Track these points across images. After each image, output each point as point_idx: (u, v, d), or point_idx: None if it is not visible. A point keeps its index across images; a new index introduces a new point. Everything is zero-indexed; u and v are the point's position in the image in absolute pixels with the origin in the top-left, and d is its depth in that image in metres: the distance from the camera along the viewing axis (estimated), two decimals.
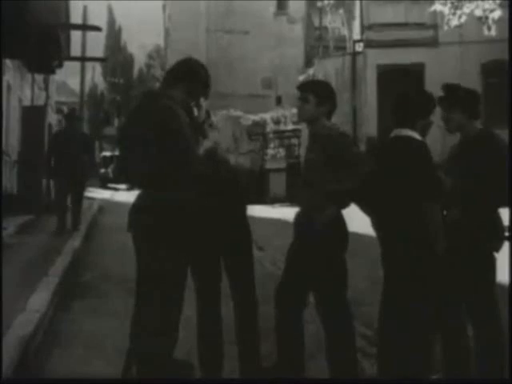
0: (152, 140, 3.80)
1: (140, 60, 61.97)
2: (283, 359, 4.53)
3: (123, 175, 4.33)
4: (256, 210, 17.80)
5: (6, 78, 15.08)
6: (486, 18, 13.49)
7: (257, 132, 25.04)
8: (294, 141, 23.96)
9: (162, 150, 3.77)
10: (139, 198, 3.97)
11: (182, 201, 3.84)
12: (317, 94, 4.46)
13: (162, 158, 3.78)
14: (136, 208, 3.95)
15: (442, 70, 20.05)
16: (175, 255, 3.83)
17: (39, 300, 6.24)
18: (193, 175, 3.92)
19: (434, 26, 19.68)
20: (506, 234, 4.31)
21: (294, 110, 24.66)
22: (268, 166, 23.81)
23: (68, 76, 37.54)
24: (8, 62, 14.69)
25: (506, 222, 4.39)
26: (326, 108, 4.49)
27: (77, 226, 12.06)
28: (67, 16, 10.11)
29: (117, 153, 40.67)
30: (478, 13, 13.45)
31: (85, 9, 31.30)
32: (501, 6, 13.06)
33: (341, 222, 4.41)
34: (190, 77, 4.15)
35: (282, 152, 24.29)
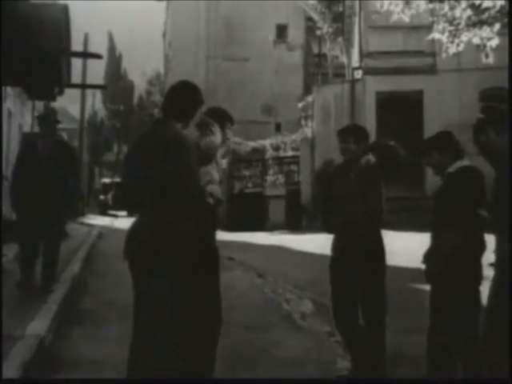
0: (156, 167, 3.82)
1: (140, 86, 62.27)
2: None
3: (125, 200, 4.36)
4: (255, 237, 17.82)
5: (7, 105, 15.14)
6: (484, 46, 13.55)
7: (256, 158, 25.09)
8: (294, 167, 23.99)
9: (165, 178, 3.80)
10: (135, 224, 3.99)
11: (180, 228, 3.86)
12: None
13: (164, 184, 3.81)
14: (132, 235, 3.97)
15: (440, 97, 20.16)
16: (172, 282, 3.84)
17: (38, 326, 6.21)
18: (193, 203, 3.94)
19: (433, 54, 19.78)
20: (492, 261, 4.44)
21: (293, 137, 24.77)
22: (267, 192, 23.81)
23: (68, 103, 37.69)
24: (9, 89, 14.76)
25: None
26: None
27: (50, 285, 8.27)
28: (68, 43, 10.16)
29: (117, 179, 40.76)
30: (476, 41, 13.52)
31: (86, 36, 31.55)
32: (498, 34, 13.14)
33: None
34: (185, 101, 4.21)
35: (281, 178, 24.30)
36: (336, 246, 5.41)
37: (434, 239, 4.92)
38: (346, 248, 5.28)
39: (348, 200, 5.30)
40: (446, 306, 4.74)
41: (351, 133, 5.55)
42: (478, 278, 4.76)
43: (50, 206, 8.00)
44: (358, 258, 5.20)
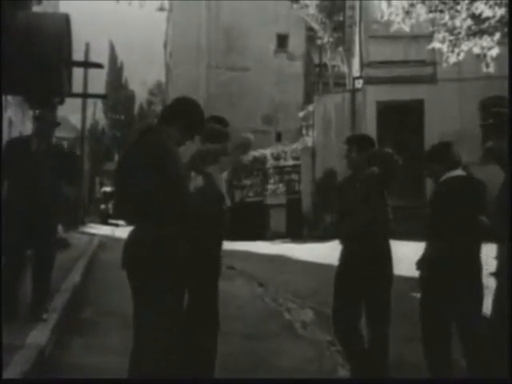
0: (145, 175, 3.84)
1: (141, 96, 62.37)
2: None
3: (118, 210, 4.36)
4: (256, 246, 17.81)
5: (8, 114, 15.16)
6: (484, 55, 13.58)
7: (257, 168, 25.12)
8: (294, 176, 24.01)
9: (155, 185, 3.81)
10: (132, 234, 4.00)
11: (174, 236, 3.88)
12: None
13: (155, 193, 3.82)
14: (129, 245, 3.98)
15: (441, 107, 20.18)
16: (169, 291, 3.85)
17: (38, 336, 6.20)
18: (184, 211, 3.96)
19: (433, 63, 19.81)
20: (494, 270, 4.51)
21: (294, 146, 24.80)
22: (268, 201, 23.82)
23: (69, 112, 37.74)
24: (10, 98, 14.79)
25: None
26: None
27: (41, 312, 6.94)
28: (69, 53, 10.18)
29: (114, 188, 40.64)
30: (476, 50, 13.54)
31: (87, 46, 31.63)
32: (498, 43, 13.16)
33: None
34: (184, 115, 4.24)
35: (282, 187, 24.32)
36: (344, 255, 5.45)
37: (426, 246, 5.06)
38: (354, 258, 5.31)
39: (355, 210, 5.37)
40: (434, 310, 4.89)
41: (354, 142, 5.68)
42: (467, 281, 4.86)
43: (40, 213, 6.89)
44: (366, 268, 5.24)
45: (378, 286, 5.27)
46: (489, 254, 4.81)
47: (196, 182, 4.34)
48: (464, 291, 4.78)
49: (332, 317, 5.41)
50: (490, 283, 4.73)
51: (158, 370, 3.78)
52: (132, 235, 4.00)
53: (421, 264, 5.04)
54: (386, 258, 5.35)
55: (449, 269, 4.78)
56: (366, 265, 5.22)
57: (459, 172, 5.05)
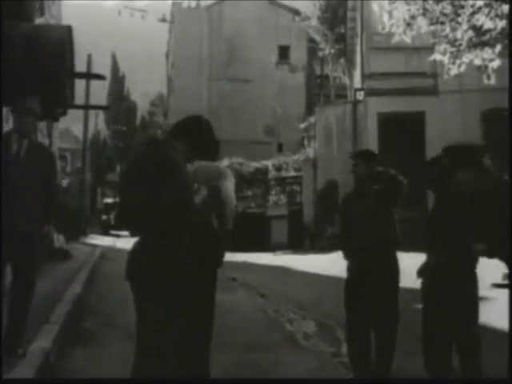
0: (152, 187, 3.86)
1: (143, 107, 62.54)
2: None
3: (123, 220, 4.38)
4: (258, 257, 17.80)
5: (10, 125, 15.20)
6: (486, 67, 13.60)
7: (258, 179, 25.14)
8: (296, 187, 24.03)
9: (161, 197, 3.83)
10: (136, 246, 4.02)
11: (179, 248, 3.89)
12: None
13: (160, 204, 3.84)
14: (133, 256, 4.00)
15: (442, 118, 20.19)
16: (171, 303, 3.86)
17: (41, 346, 6.19)
18: (189, 222, 3.98)
19: (434, 75, 19.84)
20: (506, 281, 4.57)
21: (296, 157, 24.83)
22: (270, 212, 23.82)
23: (72, 123, 37.86)
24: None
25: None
26: None
27: (19, 346, 5.72)
28: (72, 64, 10.22)
29: (118, 199, 40.67)
30: (478, 62, 13.57)
31: (89, 57, 31.75)
32: (500, 55, 13.19)
33: None
34: (191, 132, 4.29)
35: (283, 199, 24.33)
36: (352, 269, 5.52)
37: (427, 255, 5.14)
38: (362, 271, 5.40)
39: (363, 225, 5.46)
40: (435, 317, 4.93)
41: (360, 157, 5.79)
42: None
43: (18, 237, 5.76)
44: (373, 281, 5.35)
45: (385, 298, 5.39)
46: (485, 264, 4.87)
47: (200, 194, 4.37)
48: (463, 296, 4.88)
49: (346, 329, 5.65)
50: (493, 294, 4.76)
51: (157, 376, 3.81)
52: (136, 247, 4.01)
53: (419, 272, 5.11)
54: (394, 271, 5.42)
55: (448, 275, 4.85)
56: (374, 278, 5.33)
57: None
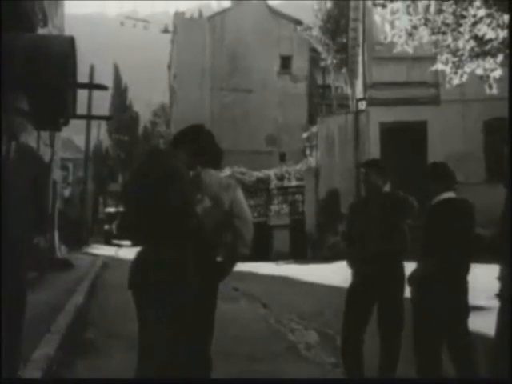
0: (154, 196, 3.87)
1: (145, 117, 62.68)
2: None
3: (126, 230, 4.39)
4: (260, 267, 17.77)
5: None
6: (487, 76, 13.60)
7: (261, 188, 25.15)
8: (298, 197, 24.02)
9: (164, 206, 3.84)
10: (139, 255, 4.02)
11: (181, 256, 3.90)
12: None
13: (162, 214, 3.85)
14: (135, 266, 4.00)
15: (444, 128, 20.21)
16: (173, 312, 3.87)
17: (42, 356, 6.18)
18: (191, 232, 3.99)
19: (436, 85, 19.88)
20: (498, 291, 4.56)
21: (298, 167, 24.84)
22: (272, 222, 23.80)
23: (74, 133, 37.94)
24: None
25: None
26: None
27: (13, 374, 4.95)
28: (74, 75, 10.26)
29: (121, 209, 40.88)
30: (479, 72, 13.57)
31: (92, 68, 31.84)
32: (501, 65, 13.20)
33: None
34: (192, 140, 4.32)
35: (285, 208, 24.33)
36: (356, 278, 5.51)
37: (417, 263, 5.14)
38: (368, 280, 5.38)
39: (371, 235, 5.44)
40: (423, 328, 4.94)
41: (372, 166, 5.78)
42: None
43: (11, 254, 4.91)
44: (377, 289, 5.36)
45: (391, 307, 5.40)
46: (492, 274, 4.82)
47: (204, 204, 4.36)
48: (452, 304, 4.87)
49: (342, 332, 5.57)
50: (492, 304, 4.74)
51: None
52: (139, 256, 4.01)
53: (412, 280, 5.09)
54: (400, 280, 5.41)
55: (438, 284, 4.84)
56: (379, 287, 5.33)
57: (451, 194, 5.11)
